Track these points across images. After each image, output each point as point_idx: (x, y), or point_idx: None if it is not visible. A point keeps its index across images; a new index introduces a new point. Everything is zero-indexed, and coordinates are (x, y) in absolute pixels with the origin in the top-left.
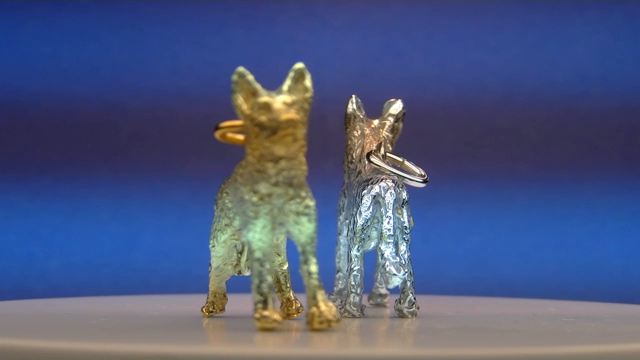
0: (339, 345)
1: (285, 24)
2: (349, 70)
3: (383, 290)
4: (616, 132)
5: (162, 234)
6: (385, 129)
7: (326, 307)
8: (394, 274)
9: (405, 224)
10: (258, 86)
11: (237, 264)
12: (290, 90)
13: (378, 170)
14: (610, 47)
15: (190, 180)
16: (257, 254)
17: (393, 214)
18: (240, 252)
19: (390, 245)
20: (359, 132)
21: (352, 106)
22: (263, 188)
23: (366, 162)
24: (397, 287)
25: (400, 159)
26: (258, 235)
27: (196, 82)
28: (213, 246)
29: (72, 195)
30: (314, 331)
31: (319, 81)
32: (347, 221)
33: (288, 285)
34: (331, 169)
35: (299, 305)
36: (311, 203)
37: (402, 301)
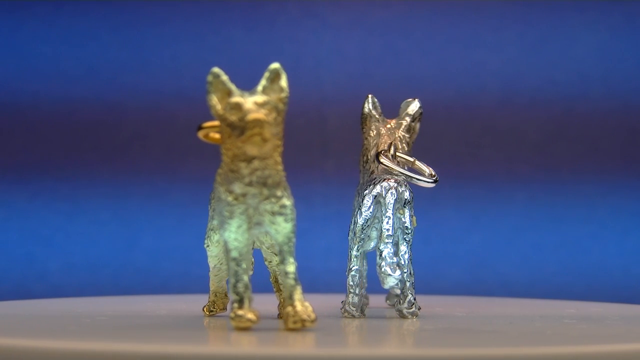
0: (334, 345)
1: (285, 24)
2: (349, 70)
3: (399, 291)
4: (616, 133)
5: (162, 234)
6: (401, 129)
7: (302, 307)
8: (389, 274)
9: (406, 224)
10: (232, 86)
11: None
12: (265, 91)
13: (388, 171)
14: (610, 48)
15: (190, 180)
16: (233, 254)
17: (393, 214)
18: None
19: (389, 245)
20: (375, 132)
21: (368, 106)
22: (237, 188)
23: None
24: (391, 287)
25: (411, 159)
26: (233, 235)
27: (196, 82)
28: (207, 246)
29: (72, 196)
30: (289, 331)
31: (319, 81)
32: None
33: None
34: (331, 169)
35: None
36: (287, 203)
37: (401, 301)
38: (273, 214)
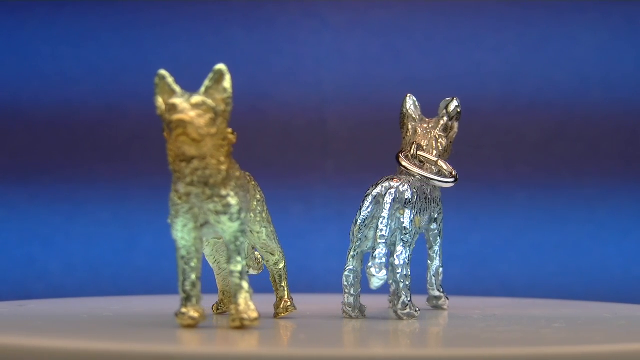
0: (319, 345)
1: (285, 24)
2: (349, 70)
3: (436, 293)
4: (616, 133)
5: (162, 234)
6: (438, 128)
7: (244, 306)
8: (373, 275)
9: (404, 225)
10: (177, 88)
11: None
12: (209, 91)
13: (407, 171)
14: (610, 48)
15: None
16: (182, 252)
17: (389, 214)
18: None
19: (381, 246)
20: (412, 131)
21: (406, 105)
22: (181, 187)
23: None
24: (376, 287)
25: (434, 159)
26: (180, 233)
27: (196, 82)
28: None
29: (72, 196)
30: (232, 329)
31: (319, 81)
32: None
33: (282, 284)
34: (331, 170)
35: (289, 305)
36: (233, 202)
37: (396, 302)
38: (217, 213)
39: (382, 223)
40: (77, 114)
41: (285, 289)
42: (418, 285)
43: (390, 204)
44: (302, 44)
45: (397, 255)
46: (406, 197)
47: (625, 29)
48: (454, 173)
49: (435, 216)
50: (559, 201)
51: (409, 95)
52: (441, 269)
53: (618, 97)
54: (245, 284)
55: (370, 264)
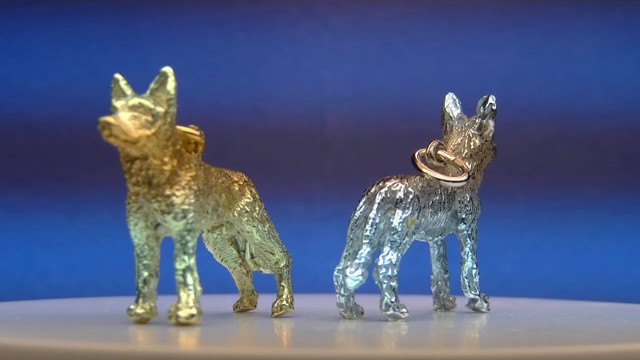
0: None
1: (285, 24)
2: (349, 70)
3: (470, 295)
4: (616, 133)
5: None
6: (473, 127)
7: (183, 303)
8: (346, 275)
9: (393, 225)
10: (128, 90)
11: (243, 262)
12: (154, 93)
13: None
14: (610, 48)
15: None
16: (136, 250)
17: (376, 214)
18: (244, 250)
19: (364, 246)
20: (449, 130)
21: (444, 104)
22: (130, 187)
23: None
24: (353, 288)
25: (451, 157)
26: (132, 232)
27: (196, 82)
28: (207, 245)
29: (72, 196)
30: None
31: (319, 81)
32: None
33: (283, 283)
34: (331, 169)
35: (283, 304)
36: (177, 201)
37: (380, 304)
38: (162, 212)
39: (368, 223)
40: (77, 114)
41: (285, 288)
42: (456, 287)
43: (379, 203)
44: (302, 44)
45: (382, 256)
46: (398, 196)
47: (626, 29)
48: (465, 170)
49: (463, 216)
50: (559, 201)
51: (448, 93)
52: (474, 271)
53: (618, 97)
54: (189, 281)
55: (348, 263)
